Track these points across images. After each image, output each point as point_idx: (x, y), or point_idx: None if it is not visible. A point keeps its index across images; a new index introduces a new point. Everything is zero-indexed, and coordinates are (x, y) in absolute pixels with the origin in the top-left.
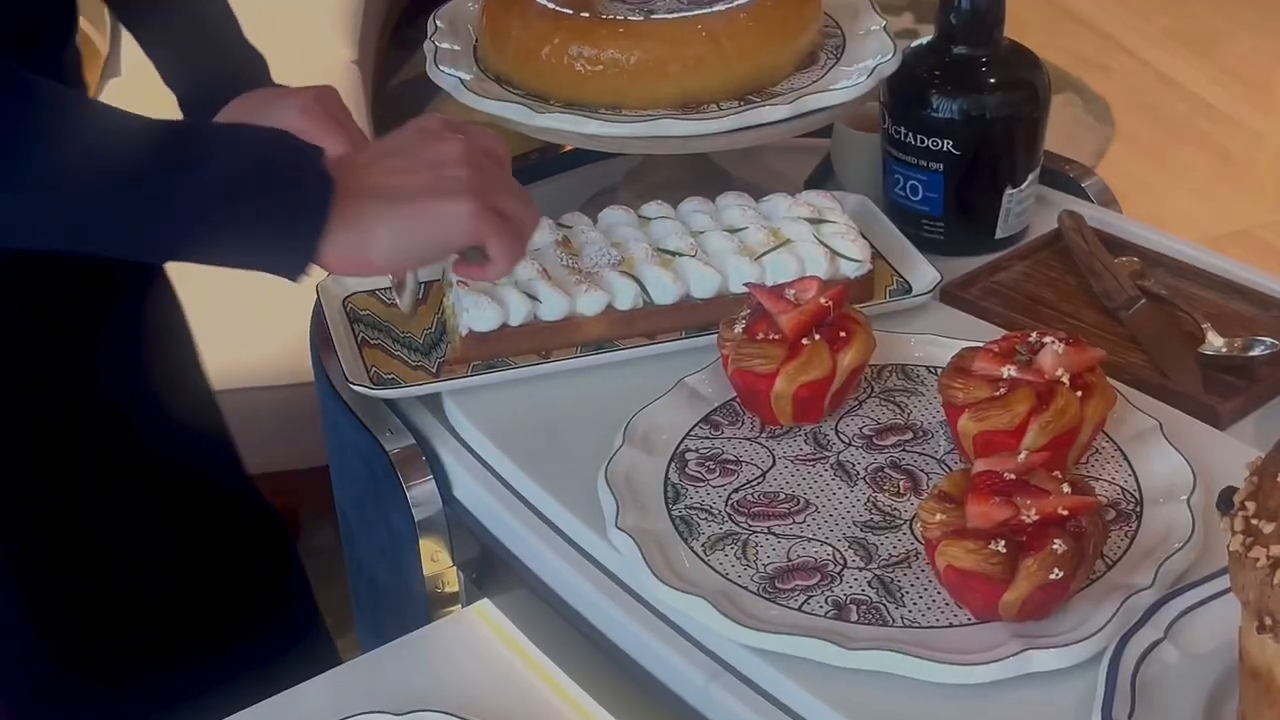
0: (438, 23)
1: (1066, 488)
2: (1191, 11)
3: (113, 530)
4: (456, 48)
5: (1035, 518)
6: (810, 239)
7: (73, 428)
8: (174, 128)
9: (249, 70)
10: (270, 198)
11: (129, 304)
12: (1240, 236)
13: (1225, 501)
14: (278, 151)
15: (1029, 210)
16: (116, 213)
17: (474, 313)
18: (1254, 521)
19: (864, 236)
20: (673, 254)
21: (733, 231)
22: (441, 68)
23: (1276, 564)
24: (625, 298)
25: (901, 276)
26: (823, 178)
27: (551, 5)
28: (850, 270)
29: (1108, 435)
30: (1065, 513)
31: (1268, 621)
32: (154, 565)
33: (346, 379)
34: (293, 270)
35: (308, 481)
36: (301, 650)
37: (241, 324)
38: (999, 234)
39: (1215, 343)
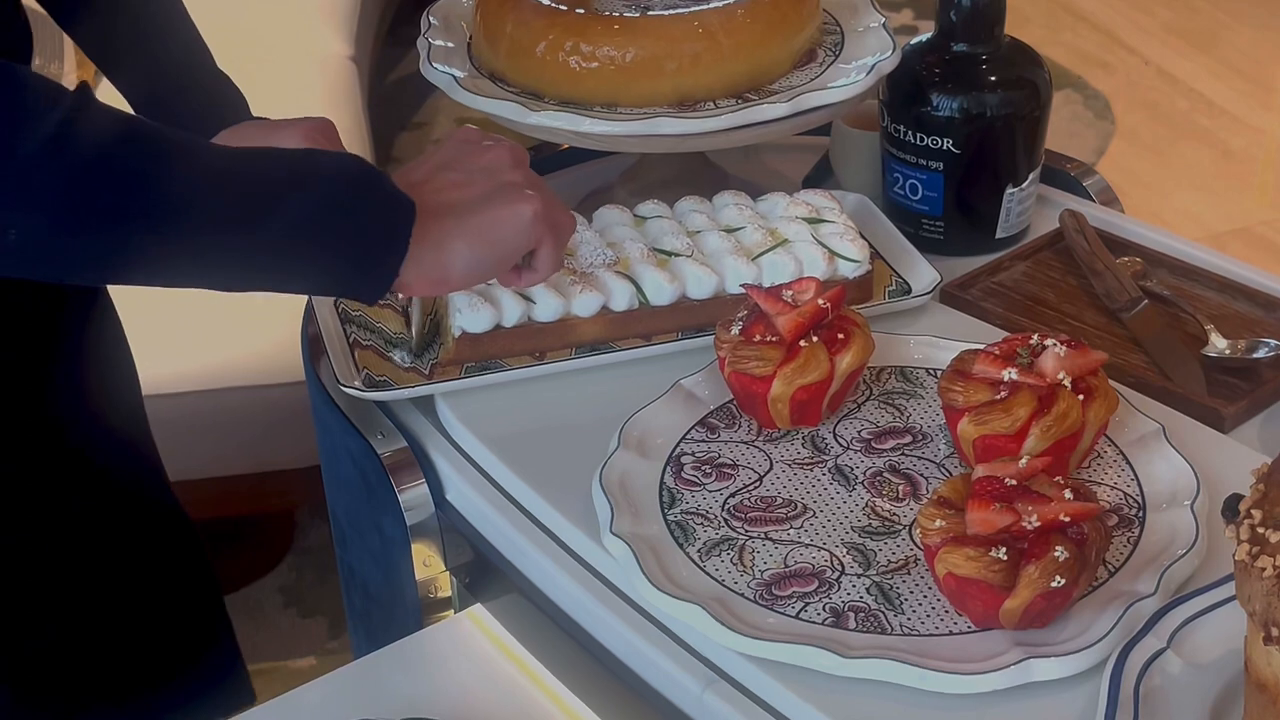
0: (431, 19)
1: (1068, 493)
2: (1192, 7)
3: (43, 560)
4: (450, 44)
5: (1037, 524)
6: (808, 239)
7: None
8: (252, 156)
9: (226, 103)
10: (353, 228)
11: (75, 321)
12: (1241, 234)
13: (1231, 509)
14: (357, 178)
15: (1030, 210)
16: (200, 246)
17: (467, 314)
18: (1260, 530)
19: (863, 236)
20: (669, 254)
21: (730, 231)
22: (435, 64)
23: None
24: (621, 299)
25: (901, 277)
26: (821, 177)
27: (546, 1)
28: (849, 271)
29: (1109, 439)
30: (1067, 519)
31: (1275, 633)
32: (88, 603)
33: (338, 381)
34: (371, 295)
35: (303, 480)
36: (223, 690)
37: (235, 321)
38: (999, 234)
39: (1219, 344)
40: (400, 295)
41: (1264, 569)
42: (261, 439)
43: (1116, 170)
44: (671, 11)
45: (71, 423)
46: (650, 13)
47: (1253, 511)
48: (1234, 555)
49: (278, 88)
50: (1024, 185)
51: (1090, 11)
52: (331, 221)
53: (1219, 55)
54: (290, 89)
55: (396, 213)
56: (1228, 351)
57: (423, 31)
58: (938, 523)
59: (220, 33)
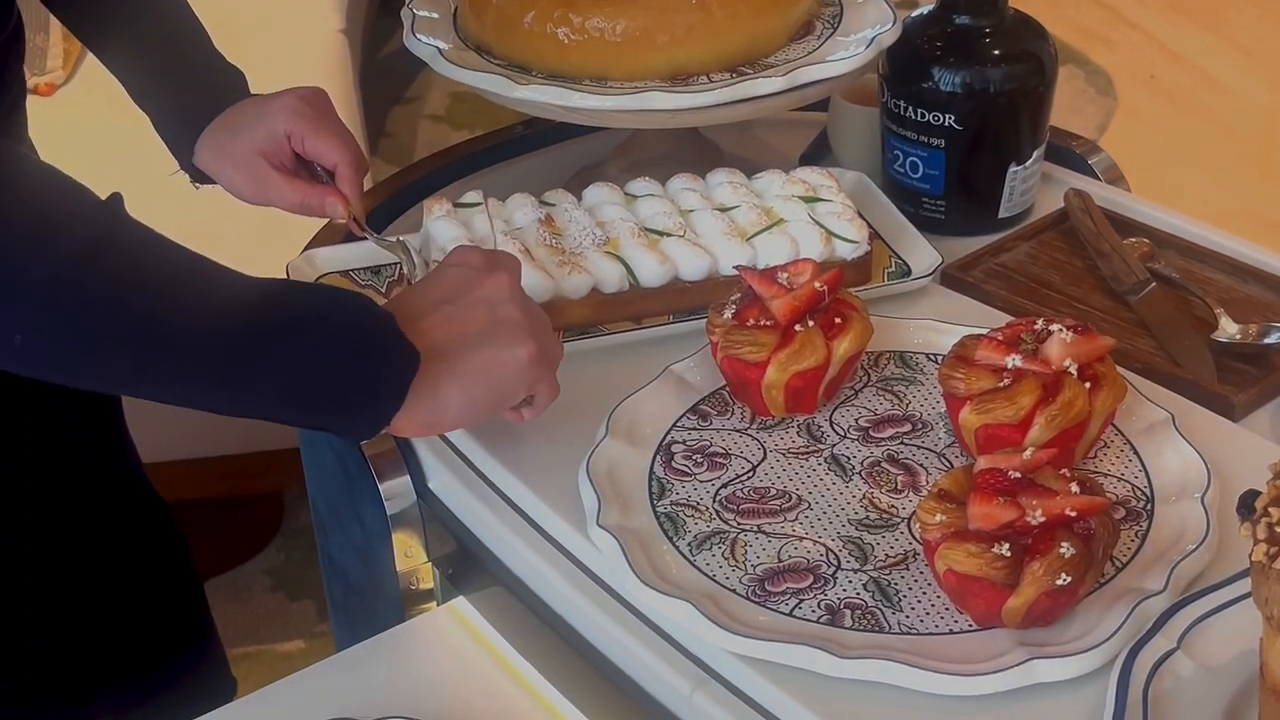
0: None
1: (1074, 487)
2: None
3: (21, 558)
4: (435, 15)
5: (1041, 519)
6: (805, 219)
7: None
8: (270, 293)
9: (226, 86)
10: (356, 380)
11: None
12: (1244, 213)
13: (1246, 506)
14: (364, 329)
15: (1034, 188)
16: (201, 378)
17: None
18: (1278, 529)
19: (861, 216)
20: (660, 234)
21: (723, 210)
22: (419, 36)
23: None
24: (611, 280)
25: (900, 258)
26: (819, 153)
27: None
28: (846, 252)
29: (1116, 428)
30: (1073, 514)
31: None
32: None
33: None
34: (360, 437)
35: (291, 462)
36: (202, 679)
37: None
38: (1002, 213)
39: (1229, 329)
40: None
41: None
42: (249, 420)
43: (1119, 147)
44: None
45: (44, 418)
46: None
47: (1270, 509)
48: (1250, 555)
49: (269, 62)
50: (1028, 163)
51: None
52: (337, 372)
53: (1223, 31)
54: (281, 63)
55: (401, 365)
56: (1238, 336)
57: (407, 3)
58: (938, 517)
59: (210, 8)
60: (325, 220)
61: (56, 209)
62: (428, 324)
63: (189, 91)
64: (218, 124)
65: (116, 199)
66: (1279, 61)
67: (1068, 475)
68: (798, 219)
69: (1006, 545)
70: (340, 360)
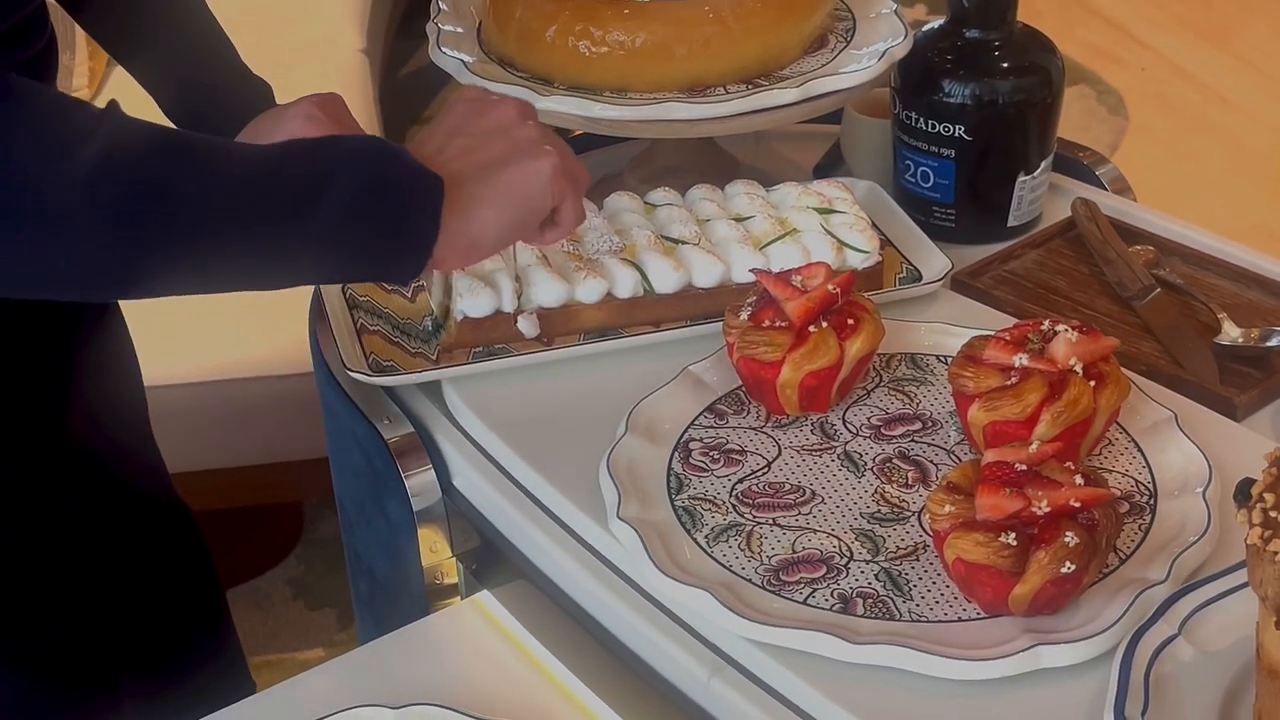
0: (441, 4)
1: (1079, 479)
2: (1207, 2)
3: (44, 557)
4: (460, 30)
5: (1047, 510)
6: (818, 229)
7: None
8: (282, 152)
9: (253, 98)
10: (386, 211)
11: (81, 319)
12: (1255, 229)
13: (1243, 493)
14: (383, 161)
15: (1042, 198)
16: (246, 250)
17: (468, 299)
18: (1273, 514)
19: (874, 226)
20: (676, 242)
21: (739, 220)
22: (444, 49)
23: None
24: (625, 285)
25: (911, 264)
26: (833, 164)
27: None
28: (858, 261)
29: (1121, 426)
30: (1077, 505)
31: None
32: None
33: (345, 366)
34: (407, 276)
35: (312, 472)
36: (222, 681)
37: (246, 314)
38: (1011, 221)
39: (1231, 333)
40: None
41: (1276, 553)
42: (271, 430)
43: (1130, 165)
44: None
45: (72, 421)
46: None
47: (1265, 495)
48: (1246, 539)
49: (290, 81)
50: (1036, 173)
51: (1103, 6)
52: (367, 207)
53: (1233, 50)
54: (303, 83)
55: (426, 191)
56: (1240, 340)
57: (432, 16)
58: (947, 508)
59: (232, 26)
60: None
61: (65, 118)
62: (446, 156)
63: (215, 103)
64: (242, 135)
65: (114, 103)
66: None
67: (1072, 468)
68: (811, 229)
69: (1013, 535)
70: (375, 199)
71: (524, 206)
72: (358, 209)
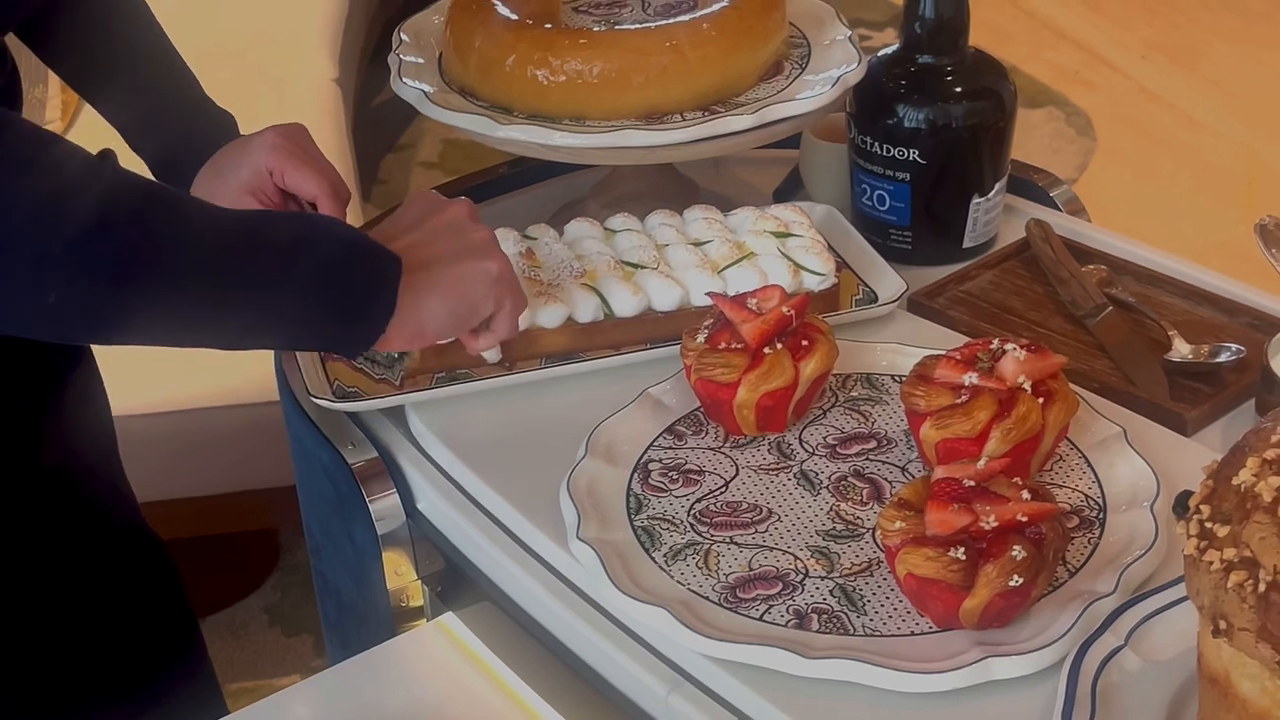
0: (403, 36)
1: (1026, 494)
2: (1173, 23)
3: (11, 587)
4: (421, 60)
5: (994, 524)
6: (774, 252)
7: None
8: (259, 221)
9: (217, 129)
10: (348, 288)
11: (53, 350)
12: (1223, 248)
13: (1181, 505)
14: (349, 242)
15: (997, 219)
16: (217, 308)
17: None
18: (1208, 525)
19: (831, 248)
20: (635, 267)
21: (697, 245)
22: (405, 80)
23: (1230, 567)
24: (585, 310)
25: (868, 286)
26: (792, 188)
27: (514, 16)
28: (813, 283)
29: (1071, 442)
30: (1025, 519)
31: (1222, 625)
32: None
33: (309, 392)
34: (359, 346)
35: (287, 499)
36: (195, 710)
37: None
38: (967, 243)
39: (1182, 349)
40: None
41: (1211, 563)
42: (244, 458)
43: (1099, 186)
44: (638, 25)
45: (44, 455)
46: (618, 27)
47: (1201, 507)
48: (1183, 550)
49: (262, 110)
50: (990, 195)
51: (1071, 28)
52: (331, 282)
53: (1199, 71)
54: (276, 112)
55: (387, 268)
56: (1191, 356)
57: (394, 48)
58: (898, 524)
59: (204, 56)
60: None
61: (66, 168)
62: (402, 244)
63: (182, 136)
64: (208, 166)
65: (109, 153)
66: (1255, 99)
67: (1020, 484)
68: (768, 252)
69: (962, 549)
70: (336, 276)
71: (468, 301)
72: (326, 281)
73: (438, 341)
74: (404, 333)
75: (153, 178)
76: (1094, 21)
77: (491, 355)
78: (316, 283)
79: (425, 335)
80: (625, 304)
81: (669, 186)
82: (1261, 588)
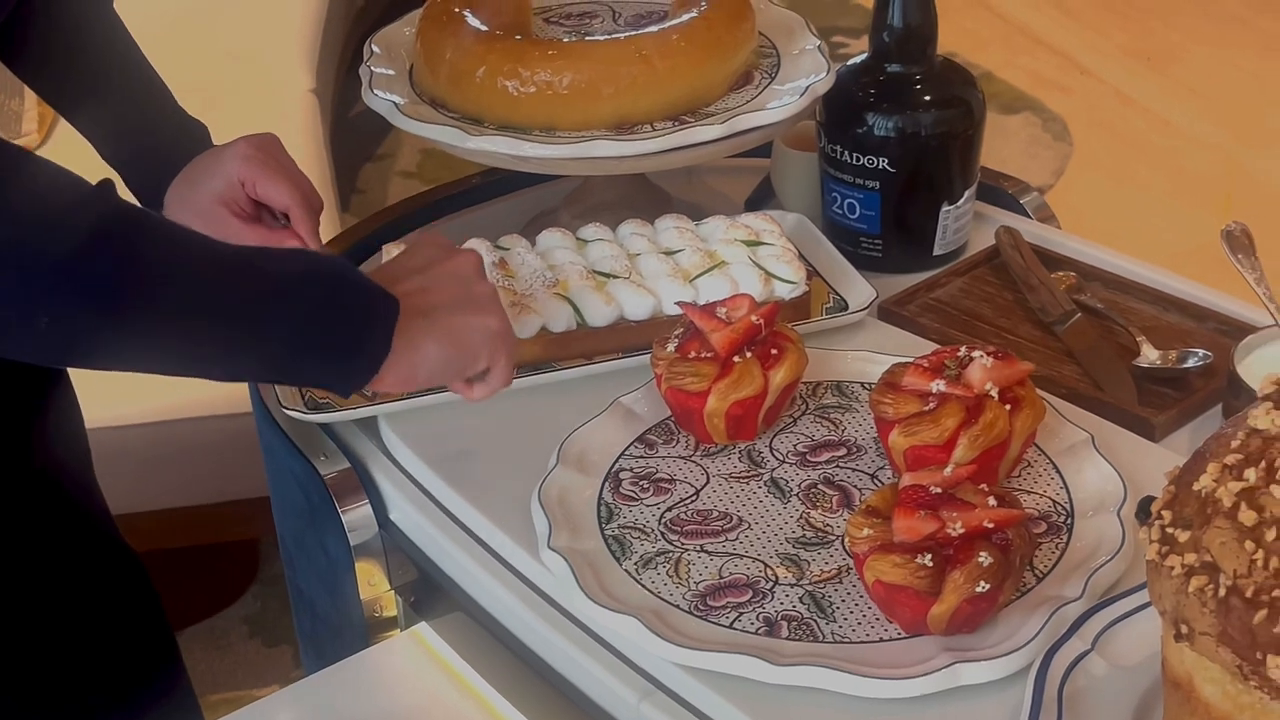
0: (374, 48)
1: (992, 501)
2: (1148, 28)
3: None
4: (391, 72)
5: (961, 531)
6: (745, 261)
7: None
8: (254, 254)
9: (189, 140)
10: (344, 326)
11: (39, 381)
12: (1199, 253)
13: (1144, 511)
14: (345, 280)
15: (967, 227)
16: (209, 338)
17: None
18: (1169, 530)
19: (802, 256)
20: (608, 276)
21: (669, 254)
22: (376, 92)
23: (1191, 572)
24: (559, 320)
25: (838, 294)
26: (764, 197)
27: (485, 28)
28: (784, 292)
29: (1039, 448)
30: (991, 525)
31: (1184, 630)
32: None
33: (280, 404)
34: (352, 385)
35: (267, 510)
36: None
37: None
38: (937, 250)
39: (1150, 355)
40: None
41: (1173, 568)
42: (222, 469)
43: (1075, 192)
44: (608, 37)
45: (11, 463)
46: (588, 38)
47: (1163, 512)
48: (1145, 556)
49: (239, 121)
50: (960, 202)
51: (1047, 35)
52: (327, 320)
53: (1175, 76)
54: (253, 123)
55: (384, 309)
56: (1159, 362)
57: (365, 60)
58: (865, 531)
59: (181, 67)
60: None
61: (61, 194)
62: (404, 288)
63: (155, 148)
64: (180, 177)
65: (108, 183)
66: (1230, 103)
67: (986, 490)
68: (738, 261)
69: (929, 556)
70: (332, 313)
71: (463, 353)
72: (321, 319)
73: (428, 386)
74: (396, 375)
75: (128, 188)
76: (1070, 27)
77: None
78: (313, 320)
79: (417, 379)
80: (598, 313)
81: (641, 196)
82: (1222, 592)
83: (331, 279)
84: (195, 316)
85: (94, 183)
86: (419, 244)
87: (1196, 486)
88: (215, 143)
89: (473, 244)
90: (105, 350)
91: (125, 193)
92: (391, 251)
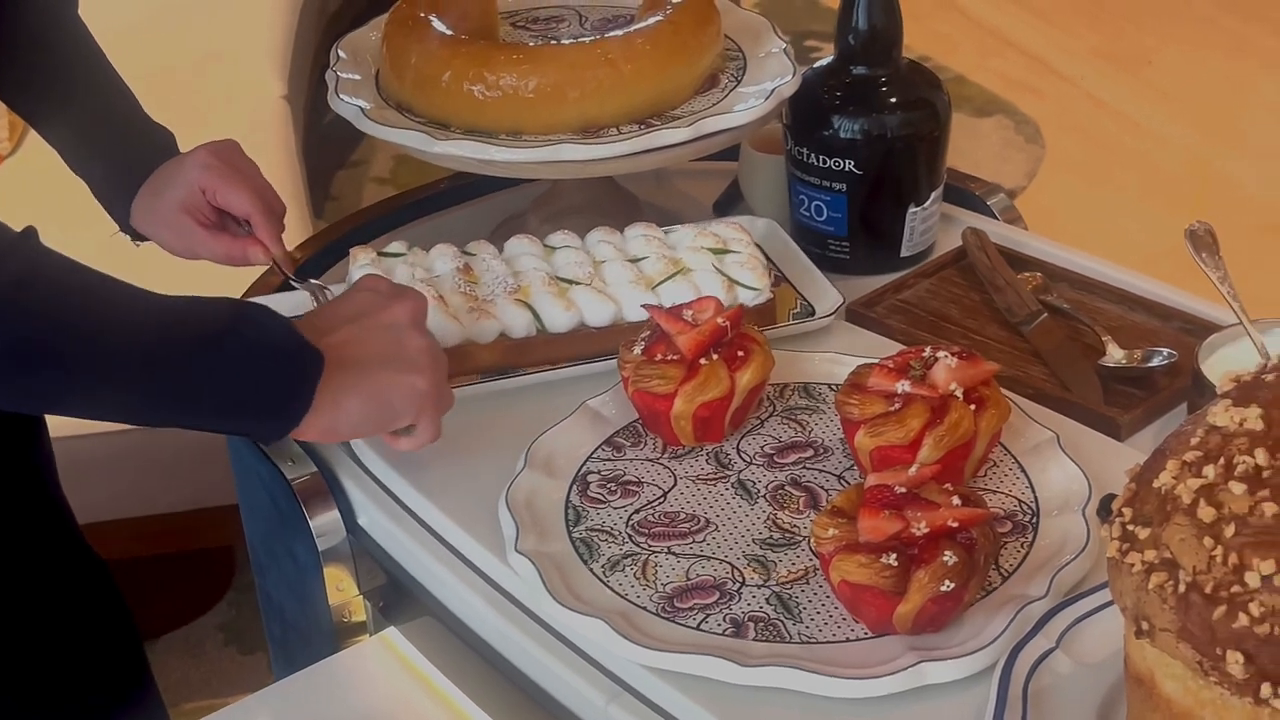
0: (340, 53)
1: (957, 500)
2: (1119, 31)
3: None
4: (358, 77)
5: (926, 530)
6: (709, 268)
7: None
8: (178, 309)
9: (155, 148)
10: (266, 380)
11: None
12: (1172, 254)
13: (1105, 509)
14: (272, 333)
15: (934, 228)
16: (126, 391)
17: None
18: (1130, 528)
19: (771, 261)
20: (570, 283)
21: (634, 261)
22: (342, 96)
23: (1151, 569)
24: (518, 326)
25: (806, 300)
26: (732, 200)
27: (450, 32)
28: (748, 299)
29: (1005, 448)
30: (955, 525)
31: (1144, 626)
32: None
33: None
34: (271, 437)
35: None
36: None
37: None
38: (904, 252)
39: (1115, 355)
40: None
41: (1133, 565)
42: (195, 476)
43: (1048, 193)
44: (574, 41)
45: None
46: (554, 42)
47: (1124, 510)
48: (1106, 553)
49: (211, 129)
50: (926, 204)
51: (1019, 37)
52: (248, 378)
53: (1146, 78)
54: (224, 130)
55: (307, 367)
56: (1124, 361)
57: (331, 64)
58: (831, 531)
59: (152, 74)
60: (267, 266)
61: None
62: (333, 340)
63: (120, 158)
64: (145, 188)
65: (31, 232)
66: (1202, 105)
67: (951, 490)
68: (702, 268)
69: (894, 555)
70: (254, 369)
71: (386, 410)
72: (247, 370)
73: (351, 439)
74: (318, 429)
75: (96, 199)
76: (1042, 30)
77: None
78: (233, 377)
79: (339, 433)
80: (558, 319)
81: (609, 200)
82: (1181, 589)
83: (255, 335)
84: (114, 370)
85: (18, 230)
86: (358, 288)
87: (1156, 484)
88: (182, 150)
89: (438, 250)
90: (23, 399)
91: (103, 210)
92: (359, 257)
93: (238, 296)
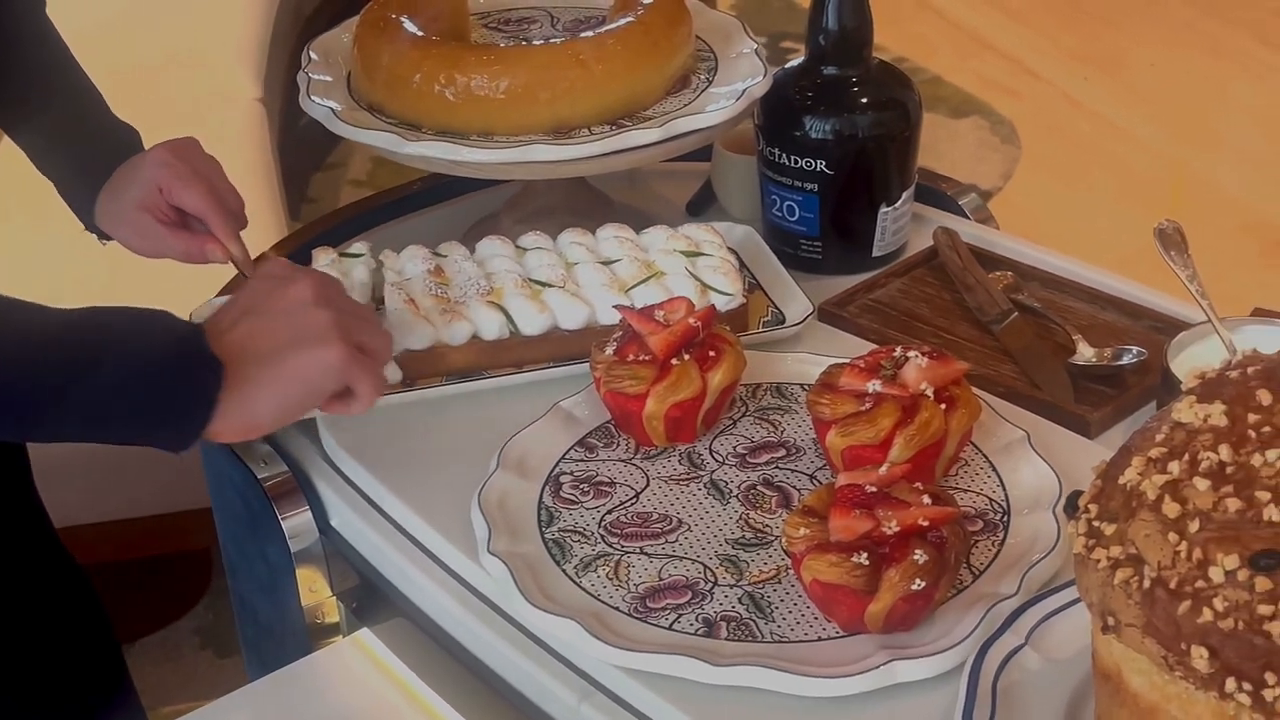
0: (311, 54)
1: (927, 499)
2: (1095, 33)
3: None
4: (329, 78)
5: (896, 529)
6: (682, 272)
7: None
8: (65, 322)
9: (120, 147)
10: (163, 393)
11: None
12: (1147, 253)
13: (1071, 505)
14: (167, 345)
15: (906, 228)
16: (18, 409)
17: None
18: (1096, 524)
19: (746, 268)
20: (543, 285)
21: (607, 264)
22: (314, 98)
23: (1116, 564)
24: (490, 328)
25: (777, 307)
26: (705, 200)
27: (422, 33)
28: (721, 303)
29: (976, 447)
30: (926, 523)
31: (1111, 621)
32: None
33: None
34: (177, 448)
35: None
36: None
37: None
38: (876, 252)
39: (1086, 353)
40: None
41: (1099, 560)
42: (170, 479)
43: (1024, 194)
44: (545, 41)
45: None
46: (525, 43)
47: (1090, 506)
48: (1073, 549)
49: (187, 131)
50: (898, 204)
51: (996, 39)
52: (144, 388)
53: (1123, 80)
54: (199, 132)
55: (205, 376)
56: (1094, 360)
57: (302, 66)
58: (802, 531)
59: (126, 76)
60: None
61: None
62: (233, 336)
63: (85, 157)
64: (106, 188)
65: None
66: (1176, 107)
67: (921, 489)
68: (675, 272)
69: (865, 554)
70: (144, 383)
71: (304, 390)
72: (138, 386)
73: (279, 428)
74: (233, 429)
75: (63, 199)
76: (1018, 32)
77: (392, 375)
78: (118, 397)
79: (261, 428)
80: (531, 322)
81: (582, 201)
82: (1146, 584)
83: (143, 349)
84: (14, 390)
85: None
86: (255, 278)
87: (1122, 480)
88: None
89: (409, 251)
90: None
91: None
92: (320, 259)
93: (214, 296)
